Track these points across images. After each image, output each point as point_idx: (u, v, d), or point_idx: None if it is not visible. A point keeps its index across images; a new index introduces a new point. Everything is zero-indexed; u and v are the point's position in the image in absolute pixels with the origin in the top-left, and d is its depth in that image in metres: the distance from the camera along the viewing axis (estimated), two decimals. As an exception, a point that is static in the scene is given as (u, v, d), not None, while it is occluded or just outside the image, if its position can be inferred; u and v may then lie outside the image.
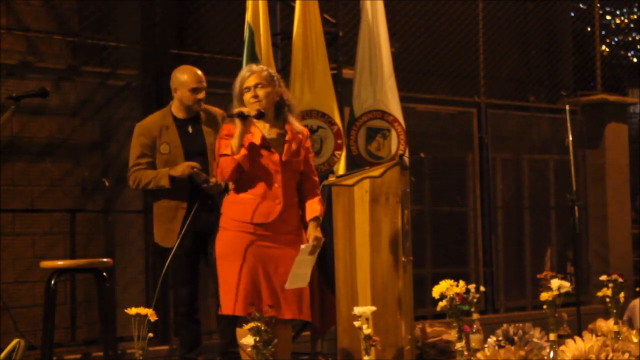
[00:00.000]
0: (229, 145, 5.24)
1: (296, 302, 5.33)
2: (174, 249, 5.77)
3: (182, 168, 5.97)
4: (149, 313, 4.55)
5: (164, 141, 6.07)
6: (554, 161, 10.73)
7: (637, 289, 9.05)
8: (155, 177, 6.00)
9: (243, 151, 5.22)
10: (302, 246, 5.25)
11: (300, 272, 5.26)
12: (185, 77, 6.10)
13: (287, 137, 5.39)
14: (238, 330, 5.36)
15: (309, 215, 5.41)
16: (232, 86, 5.43)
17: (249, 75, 5.34)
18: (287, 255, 5.30)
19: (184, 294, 6.12)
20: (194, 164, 5.94)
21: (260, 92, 5.31)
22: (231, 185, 5.42)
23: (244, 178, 5.31)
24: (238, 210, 5.31)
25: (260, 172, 5.30)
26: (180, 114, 6.14)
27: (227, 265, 5.29)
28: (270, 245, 5.30)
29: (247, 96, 5.32)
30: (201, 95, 6.10)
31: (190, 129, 6.12)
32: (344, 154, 6.93)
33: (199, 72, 6.16)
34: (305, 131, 5.54)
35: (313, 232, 5.35)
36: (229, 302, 5.23)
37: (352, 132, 7.11)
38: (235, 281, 5.24)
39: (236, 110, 5.24)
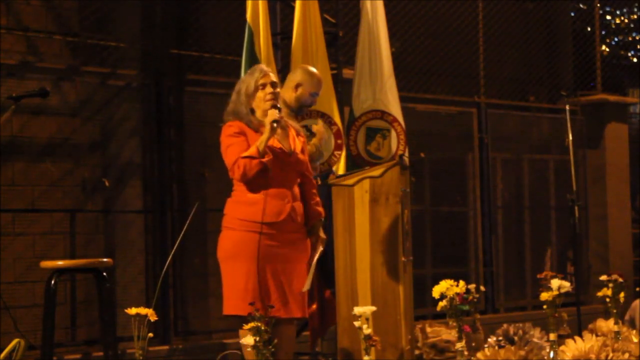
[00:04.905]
0: (243, 145, 5.24)
1: (302, 301, 5.41)
2: (174, 249, 5.72)
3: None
4: (149, 313, 4.55)
5: None
6: (554, 161, 10.72)
7: (637, 289, 9.05)
8: None
9: (268, 156, 5.24)
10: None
11: (310, 275, 5.41)
12: (315, 79, 6.21)
13: (290, 137, 5.45)
14: (241, 330, 5.36)
15: (314, 217, 5.49)
16: (234, 86, 5.46)
17: (265, 74, 5.40)
18: (293, 253, 5.38)
19: None
20: None
21: (277, 91, 5.42)
22: (235, 187, 5.42)
23: None
24: (246, 210, 5.31)
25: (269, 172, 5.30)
26: (291, 105, 6.22)
27: (234, 265, 5.30)
28: (278, 244, 5.32)
29: (263, 93, 5.37)
30: (313, 101, 6.29)
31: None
32: (343, 154, 6.92)
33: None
34: (301, 130, 5.65)
35: (319, 234, 5.48)
36: (236, 302, 5.21)
37: (351, 132, 7.11)
38: (244, 281, 5.26)
39: (274, 118, 5.22)
